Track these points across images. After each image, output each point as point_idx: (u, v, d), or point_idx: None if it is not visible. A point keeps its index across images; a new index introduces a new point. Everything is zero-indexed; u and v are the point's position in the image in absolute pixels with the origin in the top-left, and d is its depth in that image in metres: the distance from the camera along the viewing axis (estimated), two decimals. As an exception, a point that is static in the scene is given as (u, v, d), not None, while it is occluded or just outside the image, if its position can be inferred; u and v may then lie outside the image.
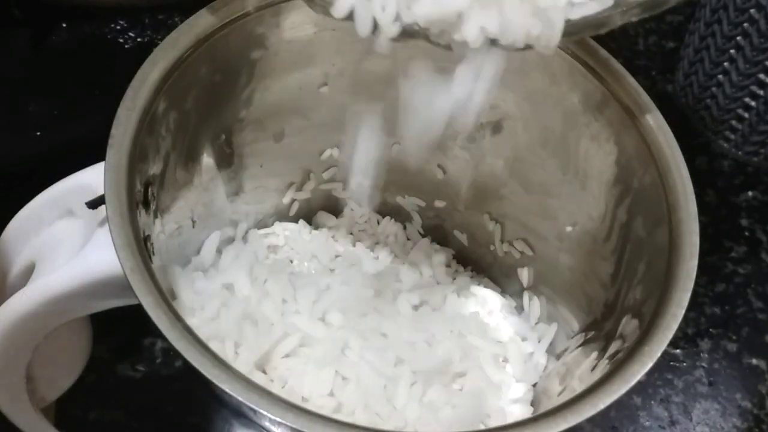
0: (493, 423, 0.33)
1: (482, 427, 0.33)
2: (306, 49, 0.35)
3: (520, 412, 0.34)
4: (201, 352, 0.24)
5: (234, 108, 0.35)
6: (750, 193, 0.51)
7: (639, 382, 0.26)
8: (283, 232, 0.40)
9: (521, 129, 0.36)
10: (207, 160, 0.35)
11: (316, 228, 0.41)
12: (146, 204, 0.29)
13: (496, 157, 0.37)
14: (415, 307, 0.37)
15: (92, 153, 0.29)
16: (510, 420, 0.34)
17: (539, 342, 0.37)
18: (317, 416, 0.24)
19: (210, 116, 0.34)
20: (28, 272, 0.31)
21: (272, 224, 0.40)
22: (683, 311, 0.27)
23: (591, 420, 0.25)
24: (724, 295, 0.47)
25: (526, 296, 0.39)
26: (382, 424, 0.32)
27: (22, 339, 0.29)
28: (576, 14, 0.27)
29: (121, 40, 0.46)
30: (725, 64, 0.50)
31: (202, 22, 0.31)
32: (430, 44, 0.27)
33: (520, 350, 0.37)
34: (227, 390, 0.24)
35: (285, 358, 0.34)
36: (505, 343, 0.37)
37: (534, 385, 0.36)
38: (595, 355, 0.31)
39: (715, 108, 0.52)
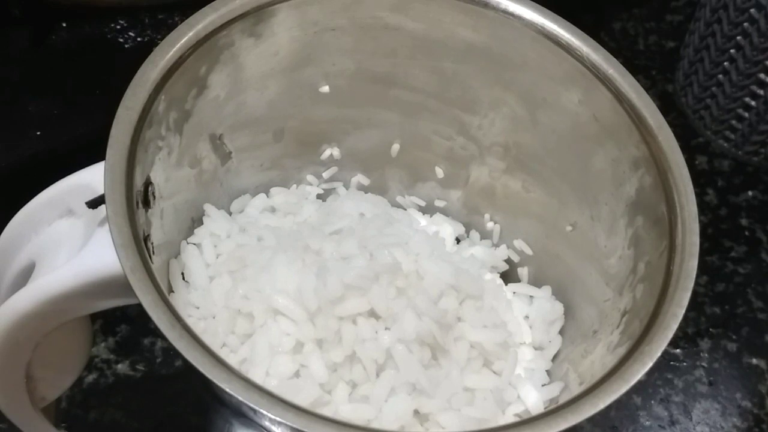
0: (493, 423, 0.33)
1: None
2: (306, 49, 0.35)
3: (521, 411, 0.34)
4: (201, 352, 0.24)
5: (234, 107, 0.35)
6: (750, 193, 0.51)
7: (639, 382, 0.26)
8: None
9: (521, 130, 0.36)
10: (207, 159, 0.35)
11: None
12: (146, 204, 0.29)
13: (495, 157, 0.37)
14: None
15: (92, 153, 0.29)
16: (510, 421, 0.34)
17: (538, 342, 0.37)
18: (317, 416, 0.24)
19: (209, 116, 0.34)
20: (28, 272, 0.31)
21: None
22: (683, 311, 0.27)
23: (591, 420, 0.25)
24: (724, 295, 0.47)
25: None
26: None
27: (22, 339, 0.29)
28: None
29: (121, 40, 0.46)
30: (725, 64, 0.50)
31: (202, 21, 0.31)
32: None
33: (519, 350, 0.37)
34: (227, 390, 0.24)
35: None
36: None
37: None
38: (594, 355, 0.31)
39: (715, 108, 0.52)
